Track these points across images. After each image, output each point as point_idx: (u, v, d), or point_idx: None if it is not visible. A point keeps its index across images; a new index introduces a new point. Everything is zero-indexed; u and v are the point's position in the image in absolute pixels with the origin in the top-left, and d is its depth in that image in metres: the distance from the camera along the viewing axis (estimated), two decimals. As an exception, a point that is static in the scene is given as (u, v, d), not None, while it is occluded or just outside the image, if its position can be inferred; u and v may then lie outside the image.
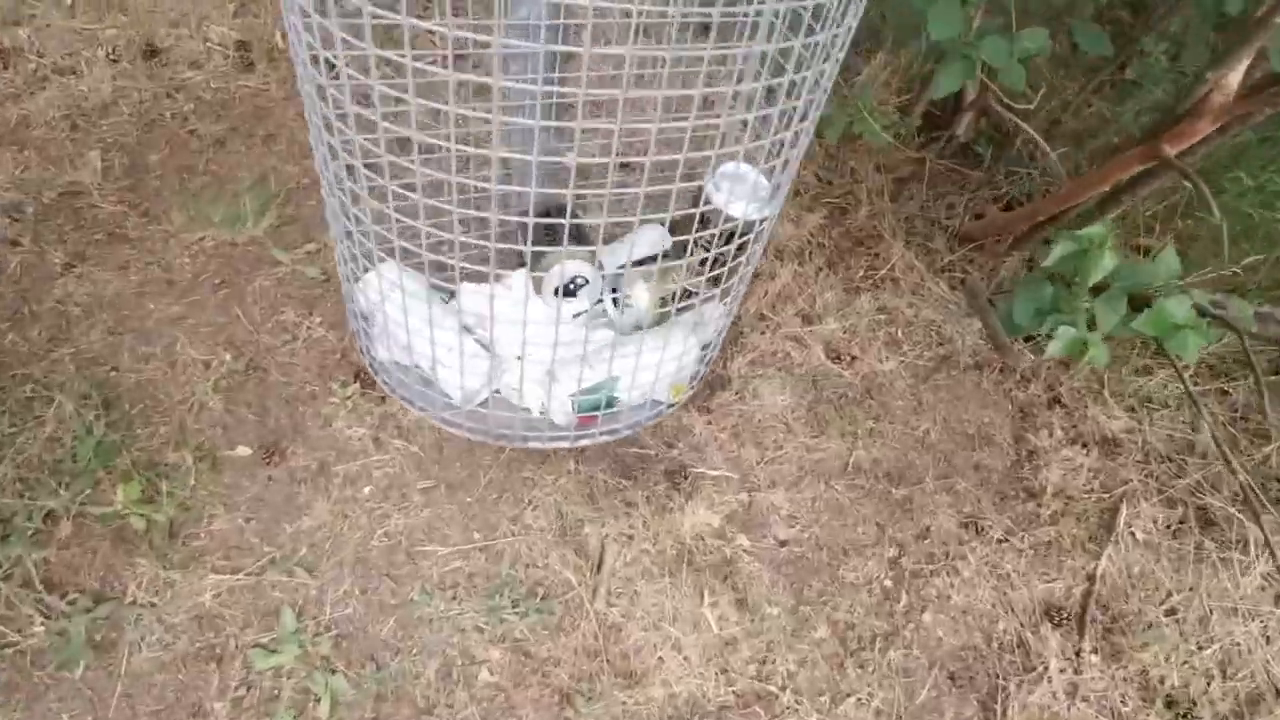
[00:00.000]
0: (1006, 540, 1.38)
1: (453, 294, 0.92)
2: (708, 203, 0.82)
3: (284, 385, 1.29)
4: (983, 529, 1.38)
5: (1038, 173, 1.53)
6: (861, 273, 1.67)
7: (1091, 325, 1.21)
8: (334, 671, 1.06)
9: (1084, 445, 1.50)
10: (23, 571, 1.03)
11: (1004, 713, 1.21)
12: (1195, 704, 1.27)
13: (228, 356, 1.30)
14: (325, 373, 1.31)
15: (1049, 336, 1.22)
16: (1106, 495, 1.45)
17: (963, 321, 1.58)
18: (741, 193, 0.80)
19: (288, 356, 1.32)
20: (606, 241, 1.06)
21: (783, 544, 1.31)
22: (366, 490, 1.22)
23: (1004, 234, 1.46)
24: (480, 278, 0.96)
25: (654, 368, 0.81)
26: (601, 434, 0.96)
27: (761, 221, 0.74)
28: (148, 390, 1.24)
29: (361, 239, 0.77)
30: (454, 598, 1.15)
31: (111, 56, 1.66)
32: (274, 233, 1.47)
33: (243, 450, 1.21)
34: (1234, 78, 0.93)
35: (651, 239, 1.01)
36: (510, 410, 0.86)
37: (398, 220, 0.71)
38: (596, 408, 0.86)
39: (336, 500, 1.19)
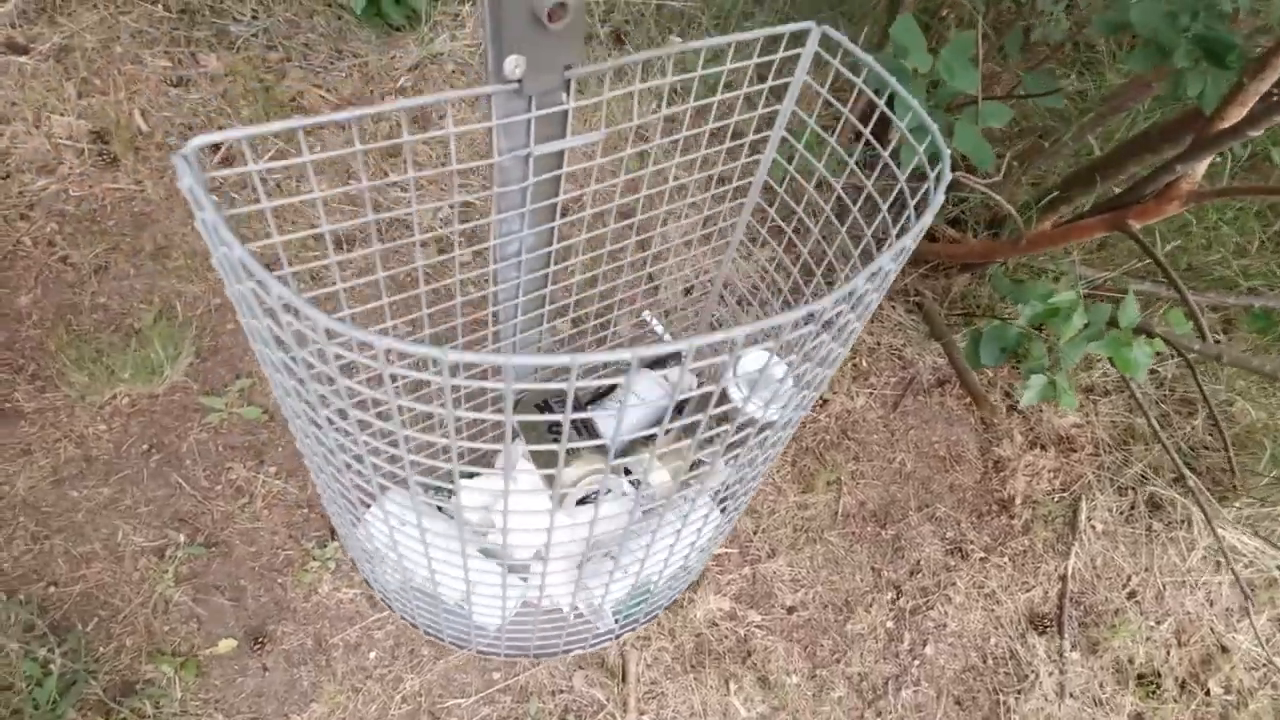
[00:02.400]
0: (987, 558, 1.47)
1: (451, 493, 0.86)
2: (727, 399, 0.77)
3: (253, 558, 1.18)
4: (966, 552, 1.46)
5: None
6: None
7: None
8: None
9: (1042, 447, 1.60)
10: None
11: (1007, 726, 1.32)
12: (1159, 675, 1.42)
13: (181, 538, 1.17)
14: (295, 533, 1.21)
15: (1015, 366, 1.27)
16: (1066, 494, 1.56)
17: (923, 344, 1.62)
18: (762, 386, 0.76)
19: (249, 522, 1.21)
20: (596, 399, 1.00)
21: (790, 611, 1.35)
22: (372, 656, 1.15)
23: (957, 258, 1.48)
24: (476, 474, 0.90)
25: (682, 544, 0.79)
26: (646, 622, 0.94)
27: (783, 418, 0.71)
28: (98, 599, 1.11)
29: (357, 474, 0.69)
30: (487, 750, 1.13)
31: (-63, 176, 1.40)
32: (195, 374, 1.32)
33: (226, 644, 1.12)
34: (1200, 168, 0.96)
35: (650, 393, 0.96)
36: (541, 619, 0.82)
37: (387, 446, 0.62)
38: (639, 604, 0.84)
39: (342, 675, 1.13)
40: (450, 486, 0.54)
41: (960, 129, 1.04)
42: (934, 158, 0.57)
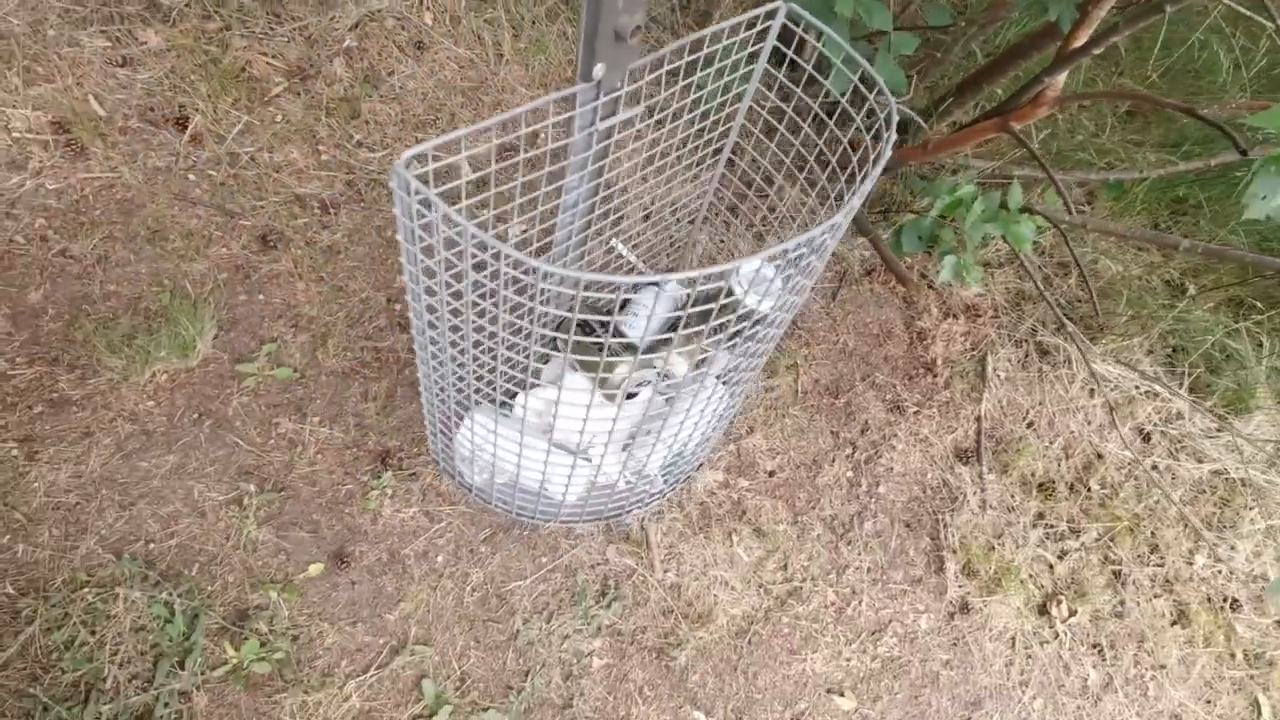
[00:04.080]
0: (919, 411, 1.80)
1: (513, 395, 1.06)
2: (730, 294, 1.00)
3: (318, 495, 1.36)
4: (903, 408, 1.79)
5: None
6: (761, 215, 1.89)
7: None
8: (486, 709, 1.28)
9: (954, 316, 1.92)
10: (187, 751, 1.13)
11: (945, 537, 1.68)
12: (1054, 482, 1.81)
13: (251, 487, 1.33)
14: (350, 469, 1.39)
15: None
16: (975, 351, 1.90)
17: (851, 240, 1.88)
18: (758, 285, 0.99)
19: (307, 467, 1.37)
20: (622, 308, 1.20)
21: (771, 474, 1.64)
22: (440, 560, 1.37)
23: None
24: (534, 384, 1.10)
25: (705, 420, 1.03)
26: (685, 478, 1.18)
27: (773, 310, 0.94)
28: (193, 549, 1.27)
29: (458, 393, 0.88)
30: (549, 616, 1.38)
31: (-92, 185, 1.40)
32: (223, 345, 1.43)
33: (315, 567, 1.30)
34: (1061, 79, 1.21)
35: (665, 299, 1.16)
36: (605, 493, 1.05)
37: (483, 368, 0.81)
38: (676, 465, 1.07)
39: (419, 578, 1.34)
40: (506, 411, 0.74)
41: (880, 59, 1.25)
42: (891, 121, 0.79)
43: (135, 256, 1.47)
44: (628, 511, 1.10)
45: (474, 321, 0.65)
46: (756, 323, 0.93)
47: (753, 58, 0.93)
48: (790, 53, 0.92)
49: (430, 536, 1.38)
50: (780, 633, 1.50)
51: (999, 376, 1.88)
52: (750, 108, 1.01)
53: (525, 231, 1.34)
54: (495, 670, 1.32)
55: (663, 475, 1.02)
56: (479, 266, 0.61)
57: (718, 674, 1.42)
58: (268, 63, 1.74)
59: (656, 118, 1.03)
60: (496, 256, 0.56)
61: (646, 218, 1.78)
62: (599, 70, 0.68)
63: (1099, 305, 1.85)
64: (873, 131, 0.87)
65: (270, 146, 1.64)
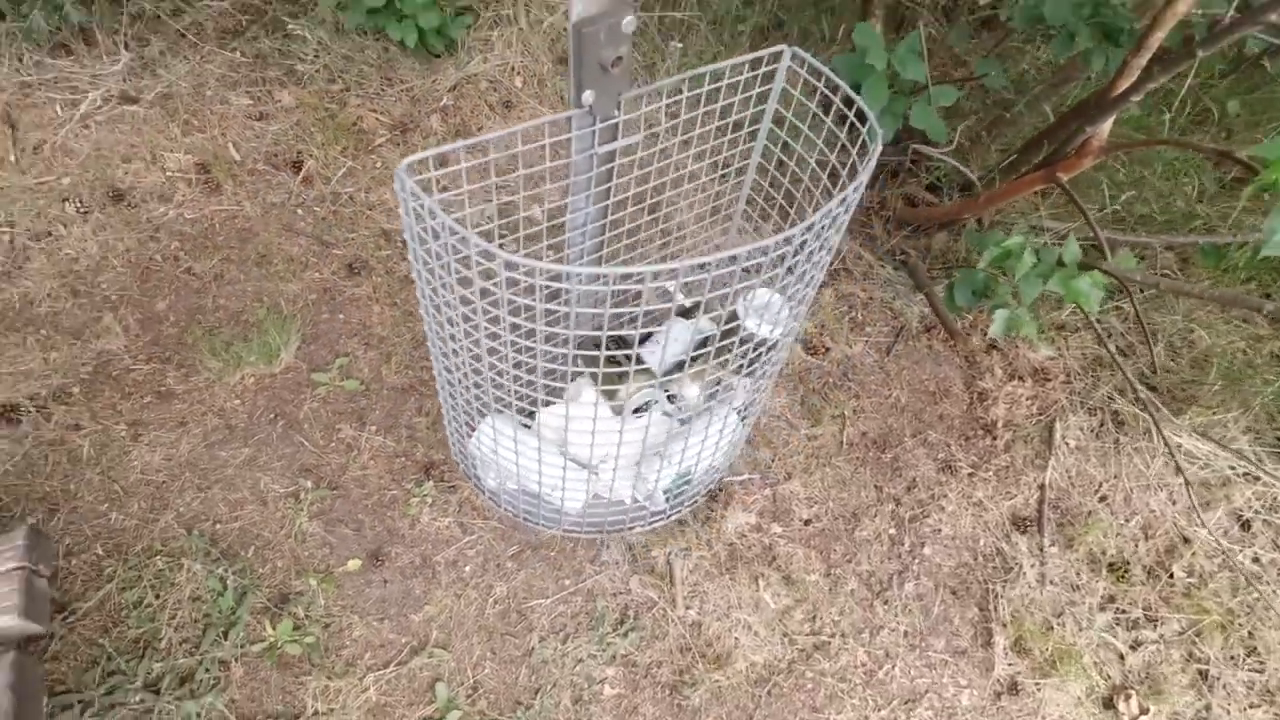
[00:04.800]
0: (974, 473, 1.71)
1: (532, 414, 1.13)
2: (736, 319, 1.03)
3: (366, 497, 1.47)
4: (955, 469, 1.71)
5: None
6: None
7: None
8: (492, 722, 1.31)
9: (1020, 378, 1.84)
10: (219, 714, 1.23)
11: (995, 608, 1.57)
12: (1129, 563, 1.66)
13: (309, 484, 1.46)
14: (397, 477, 1.50)
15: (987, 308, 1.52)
16: (1042, 416, 1.80)
17: (910, 296, 1.87)
18: (767, 315, 1.02)
19: (359, 470, 1.49)
20: (641, 341, 1.27)
21: (807, 523, 1.61)
22: (468, 569, 1.43)
23: (933, 220, 1.73)
24: (551, 402, 1.17)
25: (715, 444, 1.05)
26: (688, 505, 1.20)
27: (783, 336, 0.97)
28: (252, 533, 1.40)
29: (479, 399, 0.95)
30: (565, 637, 1.40)
31: (81, 209, 1.69)
32: (303, 356, 1.60)
33: (354, 563, 1.40)
34: (1105, 128, 1.20)
35: (682, 335, 1.22)
36: (609, 507, 1.09)
37: (500, 378, 0.88)
38: (682, 490, 1.10)
39: (446, 585, 1.41)
40: (527, 420, 0.80)
41: (917, 109, 1.28)
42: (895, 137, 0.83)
43: (244, 276, 1.69)
44: (628, 527, 1.13)
45: (485, 327, 0.73)
46: (765, 345, 0.96)
47: (766, 94, 1.00)
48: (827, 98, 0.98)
49: (461, 546, 1.45)
50: (803, 687, 1.44)
51: (1068, 445, 1.77)
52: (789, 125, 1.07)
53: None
54: (507, 684, 1.35)
55: (666, 495, 1.04)
56: (468, 269, 0.69)
57: (730, 720, 1.38)
58: (376, 118, 1.98)
59: (677, 148, 1.10)
60: (488, 256, 0.64)
61: (702, 268, 1.85)
62: (588, 96, 0.77)
63: (1187, 375, 1.72)
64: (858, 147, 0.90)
65: (368, 188, 1.86)
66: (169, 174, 1.78)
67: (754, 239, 1.78)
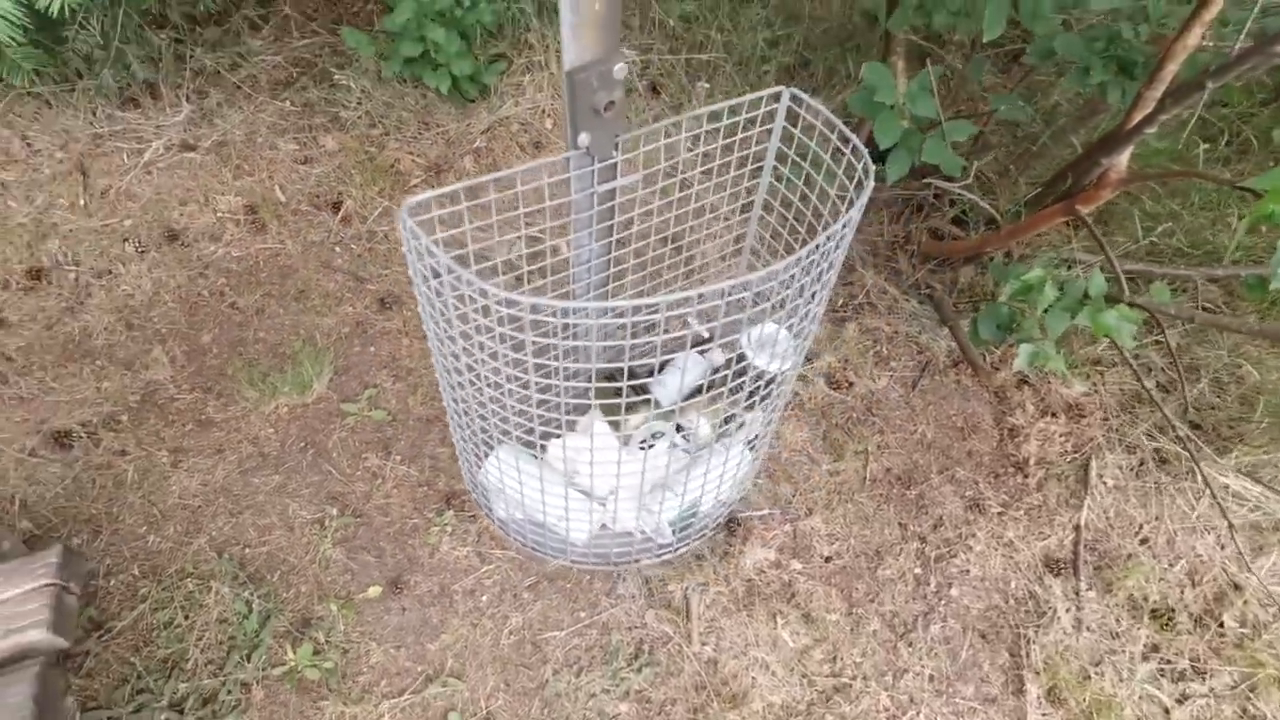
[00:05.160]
0: (1004, 512, 1.66)
1: (543, 447, 1.15)
2: (743, 357, 1.04)
3: (388, 525, 1.51)
4: (984, 507, 1.66)
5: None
6: (842, 301, 1.91)
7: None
8: (504, 755, 1.31)
9: (1053, 414, 1.78)
10: (238, 738, 1.26)
11: (1027, 655, 1.50)
12: (1173, 610, 1.57)
13: (334, 511, 1.51)
14: (419, 506, 1.53)
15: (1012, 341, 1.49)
16: (1077, 454, 1.74)
17: (936, 330, 1.84)
18: (771, 349, 1.03)
19: (383, 499, 1.53)
20: (651, 374, 1.29)
21: (828, 560, 1.58)
22: (484, 599, 1.45)
23: (958, 253, 1.71)
24: (558, 435, 1.19)
25: (721, 477, 1.05)
26: (695, 538, 1.20)
27: (784, 370, 0.97)
28: (279, 558, 1.45)
29: (484, 430, 0.98)
30: (579, 671, 1.40)
31: (139, 248, 1.81)
32: (335, 387, 1.67)
33: (374, 590, 1.43)
34: (1123, 160, 1.18)
35: (695, 367, 1.23)
36: (616, 538, 1.09)
37: (509, 412, 0.90)
38: (689, 524, 1.10)
39: (463, 614, 1.43)
40: (546, 438, 0.82)
41: (930, 144, 1.29)
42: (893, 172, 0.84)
43: (284, 310, 1.78)
44: (635, 560, 1.13)
45: (486, 362, 0.76)
46: (770, 379, 0.97)
47: (768, 133, 1.02)
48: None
49: (479, 576, 1.47)
50: (822, 731, 1.40)
51: (1105, 484, 1.70)
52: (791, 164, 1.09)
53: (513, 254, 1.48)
54: (520, 716, 1.35)
55: (673, 528, 1.04)
56: (478, 309, 0.73)
57: (745, 762, 1.35)
58: (412, 160, 2.08)
59: (686, 178, 1.12)
60: (483, 294, 0.67)
61: (727, 301, 1.87)
62: (584, 139, 0.80)
63: (1234, 412, 1.64)
64: (860, 197, 0.91)
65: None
66: (220, 215, 1.90)
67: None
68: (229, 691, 1.29)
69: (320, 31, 2.23)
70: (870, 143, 1.52)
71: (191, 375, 1.66)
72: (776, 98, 0.96)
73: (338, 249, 1.89)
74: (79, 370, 1.62)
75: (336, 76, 2.11)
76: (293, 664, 1.32)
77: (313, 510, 1.51)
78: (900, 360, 1.84)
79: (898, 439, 1.74)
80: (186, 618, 1.34)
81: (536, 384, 0.73)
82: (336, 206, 1.95)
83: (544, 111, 2.19)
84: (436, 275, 0.71)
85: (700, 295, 0.66)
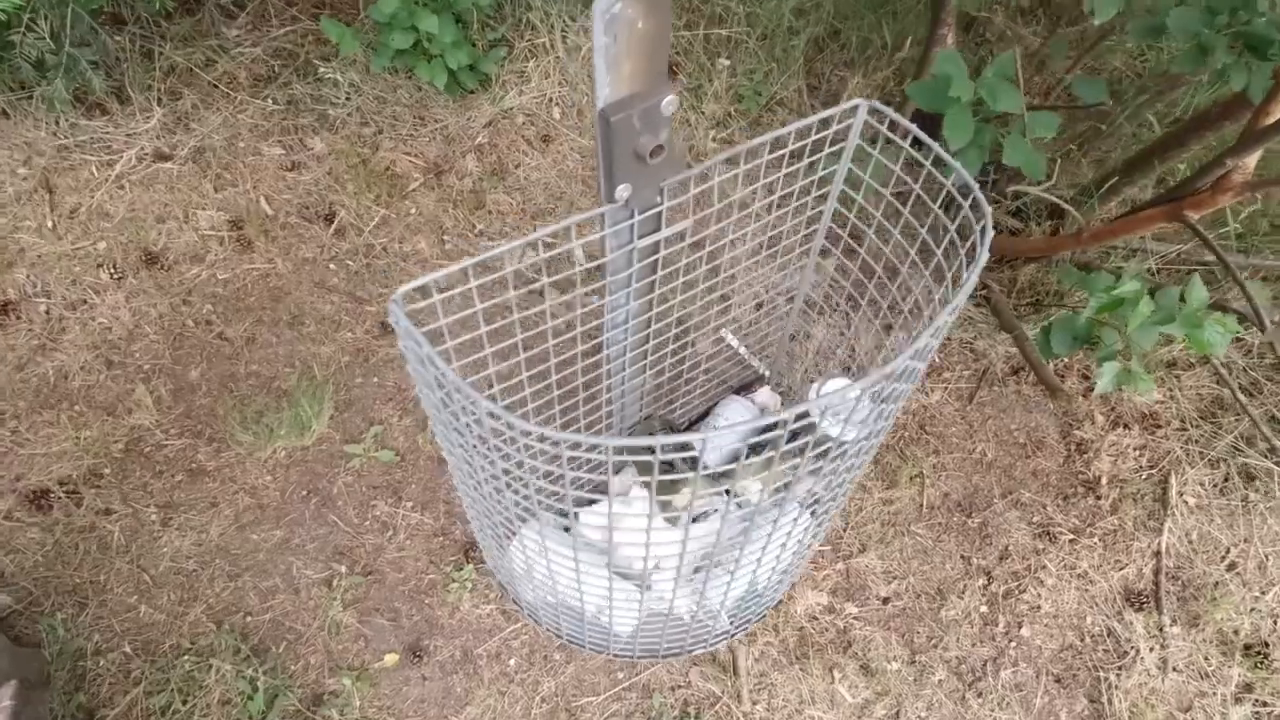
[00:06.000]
0: (1076, 539, 1.51)
1: (576, 515, 1.00)
2: (809, 421, 0.88)
3: (403, 582, 1.37)
4: (1054, 535, 1.51)
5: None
6: (888, 304, 1.73)
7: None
8: (541, 840, 1.19)
9: (1125, 426, 1.62)
10: (249, 836, 1.14)
11: (1110, 701, 1.37)
12: (1268, 645, 1.43)
13: (343, 569, 1.37)
14: (435, 558, 1.39)
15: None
16: (1154, 470, 1.58)
17: (993, 336, 1.67)
18: (842, 411, 0.87)
19: (395, 552, 1.40)
20: (693, 423, 1.13)
21: (885, 601, 1.44)
22: (512, 663, 1.32)
23: (1022, 253, 1.53)
24: (591, 501, 1.03)
25: (776, 547, 0.90)
26: (758, 619, 1.06)
27: (865, 439, 0.81)
28: (284, 625, 1.32)
29: (504, 513, 0.83)
30: (620, 740, 1.27)
31: (114, 274, 1.65)
32: (336, 425, 1.52)
33: (390, 658, 1.30)
34: (1251, 161, 1.00)
35: (739, 415, 1.07)
36: (666, 627, 0.95)
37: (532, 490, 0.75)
38: (750, 607, 0.96)
39: (489, 681, 1.30)
40: (568, 521, 0.67)
41: (1010, 144, 1.10)
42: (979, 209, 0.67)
43: (276, 339, 1.62)
44: (688, 651, 0.99)
45: (483, 464, 0.61)
46: (842, 446, 0.81)
47: (838, 153, 0.85)
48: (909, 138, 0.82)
49: (505, 637, 1.33)
50: (888, 797, 1.27)
51: (1186, 503, 1.54)
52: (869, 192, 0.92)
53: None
54: (556, 794, 1.23)
55: (729, 614, 0.90)
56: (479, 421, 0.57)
57: (806, 839, 1.23)
58: (410, 160, 1.89)
59: (721, 209, 0.96)
60: (480, 408, 0.51)
61: (759, 306, 1.70)
62: (623, 191, 0.63)
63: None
64: (968, 245, 0.74)
65: (401, 237, 1.77)
66: (201, 233, 1.73)
67: (821, 320, 1.62)
68: (237, 784, 1.17)
69: (301, 18, 2.02)
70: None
71: (179, 418, 1.51)
72: (851, 113, 0.78)
73: (332, 266, 1.72)
74: (55, 418, 1.47)
75: (322, 69, 1.91)
76: (305, 748, 1.20)
77: (319, 568, 1.37)
78: (955, 370, 1.67)
79: (955, 460, 1.58)
80: (185, 701, 1.22)
81: (578, 460, 0.58)
82: (329, 218, 1.77)
83: (551, 100, 1.99)
84: (442, 386, 0.55)
85: (772, 423, 0.50)
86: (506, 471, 0.61)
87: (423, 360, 0.57)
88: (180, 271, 1.68)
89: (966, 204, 0.68)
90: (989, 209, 0.66)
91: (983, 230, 0.65)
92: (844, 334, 1.63)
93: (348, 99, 1.93)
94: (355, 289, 1.70)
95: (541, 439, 0.51)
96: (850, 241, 1.11)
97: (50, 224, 1.69)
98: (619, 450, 0.49)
